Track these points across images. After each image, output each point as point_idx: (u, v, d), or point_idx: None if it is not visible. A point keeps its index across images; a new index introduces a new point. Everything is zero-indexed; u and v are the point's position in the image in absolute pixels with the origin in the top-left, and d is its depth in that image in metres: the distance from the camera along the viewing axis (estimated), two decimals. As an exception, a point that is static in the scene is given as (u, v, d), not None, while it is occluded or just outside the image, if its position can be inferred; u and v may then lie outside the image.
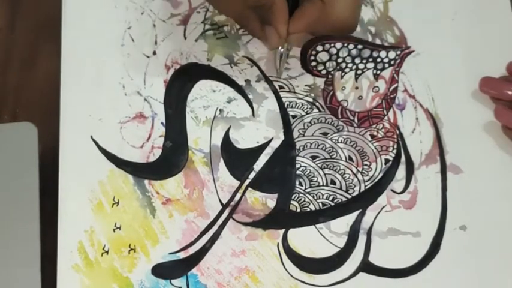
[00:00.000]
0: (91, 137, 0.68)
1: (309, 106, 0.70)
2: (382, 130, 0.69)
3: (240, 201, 0.67)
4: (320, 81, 0.71)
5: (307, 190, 0.67)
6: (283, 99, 0.70)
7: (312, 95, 0.70)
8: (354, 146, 0.69)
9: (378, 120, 0.69)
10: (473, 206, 0.67)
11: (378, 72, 0.71)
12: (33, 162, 0.65)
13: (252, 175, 0.67)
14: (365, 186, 0.67)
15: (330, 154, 0.68)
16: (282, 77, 0.70)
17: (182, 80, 0.71)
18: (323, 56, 0.71)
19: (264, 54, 0.71)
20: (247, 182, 0.67)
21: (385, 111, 0.70)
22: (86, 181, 0.66)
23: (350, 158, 0.68)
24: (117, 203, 0.66)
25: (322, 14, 0.63)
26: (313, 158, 0.68)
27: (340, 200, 0.67)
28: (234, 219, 0.66)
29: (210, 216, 0.66)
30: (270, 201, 0.67)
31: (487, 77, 0.68)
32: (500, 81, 0.68)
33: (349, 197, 0.67)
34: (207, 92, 0.70)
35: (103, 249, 0.65)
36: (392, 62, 0.71)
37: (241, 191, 0.67)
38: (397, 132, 0.69)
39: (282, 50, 0.67)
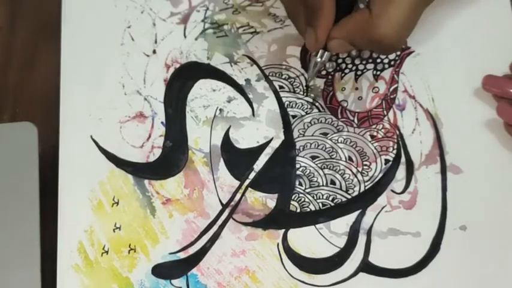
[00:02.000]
0: (91, 136, 0.68)
1: (309, 106, 0.70)
2: (382, 130, 0.69)
3: (240, 201, 0.67)
4: (320, 82, 0.70)
5: (307, 190, 0.67)
6: (283, 99, 0.70)
7: (312, 95, 0.70)
8: (354, 146, 0.69)
9: (378, 120, 0.69)
10: (473, 206, 0.67)
11: (378, 72, 0.71)
12: (33, 162, 0.65)
13: (252, 175, 0.67)
14: (365, 186, 0.67)
15: (330, 154, 0.68)
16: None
17: (182, 79, 0.71)
18: (323, 56, 0.71)
19: (265, 52, 0.71)
20: (247, 182, 0.67)
21: (385, 112, 0.70)
22: (86, 181, 0.67)
23: (350, 158, 0.68)
24: (117, 203, 0.66)
25: (366, 25, 0.58)
26: (313, 158, 0.68)
27: (340, 200, 0.67)
28: (234, 219, 0.66)
29: (210, 216, 0.66)
30: (270, 201, 0.67)
31: (490, 75, 0.68)
32: (503, 79, 0.68)
33: (349, 197, 0.67)
34: (207, 91, 0.70)
35: (103, 249, 0.65)
36: (392, 63, 0.71)
37: (241, 191, 0.67)
38: (397, 132, 0.69)
39: (318, 58, 0.63)
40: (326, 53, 0.63)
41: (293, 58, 0.71)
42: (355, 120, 0.69)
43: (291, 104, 0.70)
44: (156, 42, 0.72)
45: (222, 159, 0.68)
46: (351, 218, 0.66)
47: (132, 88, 0.70)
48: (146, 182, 0.67)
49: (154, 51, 0.71)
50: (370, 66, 0.71)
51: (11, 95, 0.71)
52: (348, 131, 0.69)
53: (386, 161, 0.68)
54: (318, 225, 0.66)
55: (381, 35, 0.57)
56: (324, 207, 0.67)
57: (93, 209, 0.66)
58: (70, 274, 0.64)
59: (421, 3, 0.58)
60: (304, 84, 0.70)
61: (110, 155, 0.67)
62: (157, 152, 0.68)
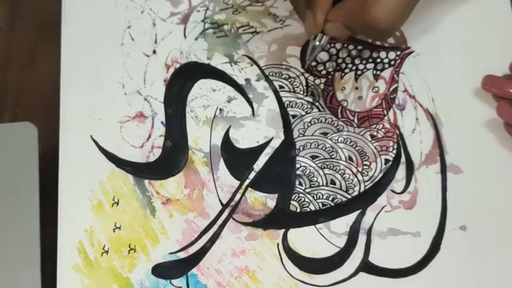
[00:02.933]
0: (91, 136, 0.68)
1: (309, 106, 0.70)
2: (382, 130, 0.69)
3: (240, 201, 0.67)
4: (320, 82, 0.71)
5: (307, 190, 0.67)
6: (283, 99, 0.70)
7: (313, 90, 0.70)
8: (354, 146, 0.68)
9: (378, 120, 0.69)
10: (473, 206, 0.66)
11: (378, 72, 0.71)
12: (33, 162, 0.65)
13: (252, 175, 0.67)
14: (365, 186, 0.67)
15: (330, 154, 0.68)
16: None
17: (182, 79, 0.71)
18: (323, 57, 0.71)
19: (265, 52, 0.71)
20: (247, 182, 0.67)
21: (385, 112, 0.70)
22: (86, 181, 0.67)
23: (350, 158, 0.68)
24: (117, 203, 0.66)
25: (361, 9, 0.58)
26: (313, 157, 0.68)
27: (340, 200, 0.67)
28: (234, 219, 0.66)
29: (210, 216, 0.66)
30: (270, 201, 0.67)
31: (490, 75, 0.68)
32: (503, 79, 0.68)
33: (349, 197, 0.67)
34: (207, 91, 0.70)
35: (103, 249, 0.65)
36: (392, 63, 0.71)
37: (241, 191, 0.67)
38: (397, 132, 0.69)
39: (316, 42, 0.64)
40: (324, 36, 0.63)
41: (293, 58, 0.71)
42: (355, 120, 0.69)
43: (291, 103, 0.70)
44: (156, 42, 0.72)
45: (222, 159, 0.68)
46: (351, 218, 0.66)
47: (132, 88, 0.70)
48: (146, 182, 0.67)
49: (154, 51, 0.71)
50: (370, 65, 0.71)
51: (11, 95, 0.71)
52: (348, 131, 0.69)
53: (386, 160, 0.68)
54: (318, 225, 0.66)
55: (375, 19, 0.58)
56: (324, 207, 0.67)
57: (93, 209, 0.66)
58: (70, 274, 0.64)
59: None
60: (304, 84, 0.70)
61: (110, 155, 0.67)
62: (158, 152, 0.68)
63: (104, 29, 0.72)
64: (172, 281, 0.64)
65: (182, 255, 0.65)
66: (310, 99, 0.70)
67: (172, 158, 0.67)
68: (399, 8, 0.58)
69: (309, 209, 0.67)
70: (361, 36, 0.70)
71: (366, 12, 0.58)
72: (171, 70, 0.70)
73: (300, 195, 0.67)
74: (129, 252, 0.65)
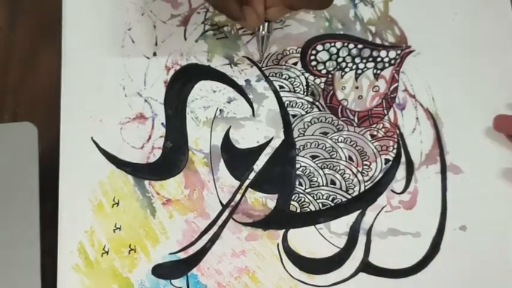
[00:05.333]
0: (91, 138, 0.68)
1: (309, 105, 0.70)
2: (382, 130, 0.69)
3: (240, 201, 0.67)
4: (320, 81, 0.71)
5: (307, 190, 0.67)
6: (284, 99, 0.70)
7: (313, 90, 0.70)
8: (354, 145, 0.68)
9: (378, 119, 0.69)
10: (473, 206, 0.67)
11: (378, 71, 0.71)
12: (33, 162, 0.65)
13: (252, 175, 0.67)
14: (365, 186, 0.67)
15: (330, 154, 0.68)
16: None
17: (182, 81, 0.71)
18: (323, 56, 0.71)
19: (265, 53, 0.72)
20: (247, 182, 0.67)
21: (385, 111, 0.70)
22: (86, 182, 0.67)
23: (350, 158, 0.68)
24: (118, 204, 0.66)
25: None
26: (313, 157, 0.68)
27: (340, 200, 0.67)
28: (234, 219, 0.66)
29: (210, 216, 0.66)
30: (270, 201, 0.67)
31: (501, 115, 0.67)
32: None
33: (349, 197, 0.67)
34: (207, 92, 0.70)
35: (103, 249, 0.65)
36: (392, 62, 0.71)
37: (241, 191, 0.67)
38: (397, 132, 0.69)
39: (264, 32, 0.65)
40: (269, 23, 0.64)
41: (293, 58, 0.71)
42: (355, 120, 0.69)
43: (291, 103, 0.70)
44: (156, 44, 0.72)
45: (222, 160, 0.68)
46: (351, 218, 0.66)
47: (133, 90, 0.70)
48: (146, 182, 0.67)
49: (154, 54, 0.71)
50: (371, 65, 0.71)
51: (11, 95, 0.71)
52: (348, 131, 0.69)
53: (387, 160, 0.68)
54: (318, 226, 0.66)
55: None
56: (324, 208, 0.67)
57: (93, 209, 0.66)
58: (70, 274, 0.64)
59: None
60: (304, 83, 0.70)
61: (110, 156, 0.68)
62: (158, 153, 0.68)
63: (105, 31, 0.72)
64: (173, 281, 0.64)
65: (182, 255, 0.65)
66: (311, 99, 0.70)
67: (172, 159, 0.67)
68: None
69: (309, 209, 0.67)
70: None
71: None
72: (171, 72, 0.70)
73: (300, 195, 0.67)
74: (129, 253, 0.65)
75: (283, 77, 0.71)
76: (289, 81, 0.70)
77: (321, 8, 0.64)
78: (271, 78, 0.71)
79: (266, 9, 0.62)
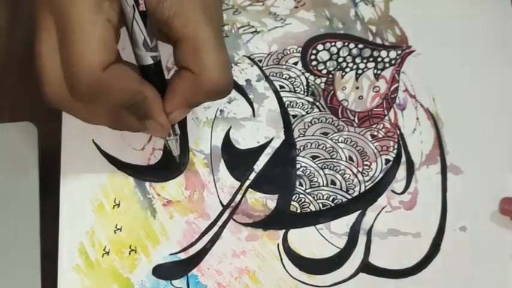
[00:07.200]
0: (92, 140, 0.68)
1: (310, 106, 0.70)
2: (383, 130, 0.69)
3: (241, 202, 0.67)
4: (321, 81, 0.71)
5: (307, 191, 0.67)
6: (284, 99, 0.70)
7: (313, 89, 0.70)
8: (354, 146, 0.69)
9: (379, 120, 0.69)
10: (473, 206, 0.67)
11: (379, 71, 0.71)
12: (33, 162, 0.65)
13: (252, 175, 0.67)
14: (365, 186, 0.67)
15: (331, 154, 0.68)
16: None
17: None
18: (324, 55, 0.71)
19: (265, 53, 0.71)
20: (247, 182, 0.67)
21: (385, 111, 0.70)
22: (87, 183, 0.66)
23: (350, 158, 0.68)
24: (118, 205, 0.66)
25: (196, 84, 0.57)
26: (313, 158, 0.68)
27: (340, 201, 0.67)
28: (234, 220, 0.66)
29: (211, 217, 0.66)
30: (270, 202, 0.67)
31: (507, 198, 0.66)
32: None
33: (350, 197, 0.67)
34: (207, 92, 0.70)
35: (104, 250, 0.65)
36: (393, 62, 0.71)
37: (241, 192, 0.67)
38: (398, 132, 0.69)
39: (171, 137, 0.63)
40: (173, 127, 0.62)
41: (293, 58, 0.71)
42: (356, 120, 0.69)
43: (291, 103, 0.70)
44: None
45: (222, 160, 0.68)
46: (351, 218, 0.66)
47: (133, 90, 0.70)
48: (147, 184, 0.67)
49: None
50: (371, 65, 0.71)
51: (11, 95, 0.71)
52: (349, 131, 0.69)
53: (387, 161, 0.68)
54: (318, 226, 0.66)
55: (215, 84, 0.56)
56: (324, 208, 0.67)
57: (94, 210, 0.66)
58: (71, 275, 0.64)
59: (220, 36, 0.57)
60: (304, 83, 0.70)
61: (111, 158, 0.67)
62: (158, 155, 0.68)
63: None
64: (173, 281, 0.64)
65: (183, 256, 0.65)
66: (311, 99, 0.70)
67: (173, 160, 0.67)
68: (223, 59, 0.57)
69: (309, 210, 0.67)
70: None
71: (203, 84, 0.57)
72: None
73: (300, 195, 0.67)
74: (129, 253, 0.65)
75: (284, 76, 0.70)
76: (290, 81, 0.70)
77: (221, 98, 0.61)
78: (271, 78, 0.70)
79: (167, 116, 0.59)
